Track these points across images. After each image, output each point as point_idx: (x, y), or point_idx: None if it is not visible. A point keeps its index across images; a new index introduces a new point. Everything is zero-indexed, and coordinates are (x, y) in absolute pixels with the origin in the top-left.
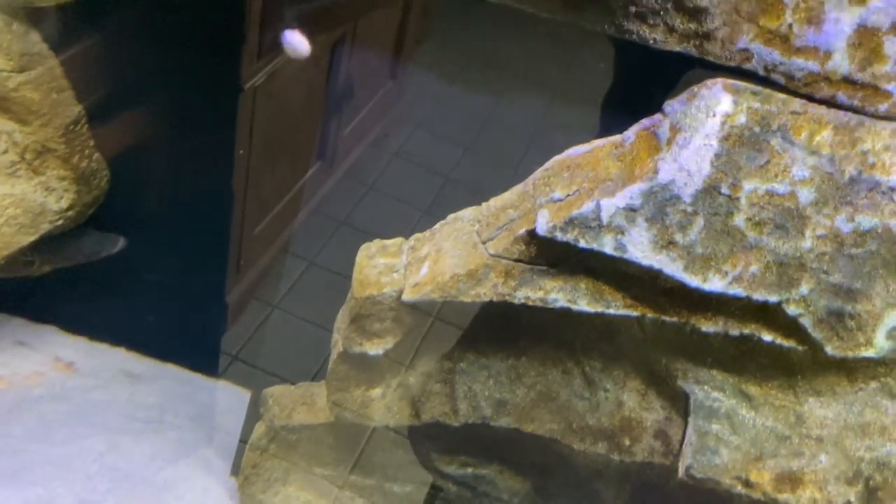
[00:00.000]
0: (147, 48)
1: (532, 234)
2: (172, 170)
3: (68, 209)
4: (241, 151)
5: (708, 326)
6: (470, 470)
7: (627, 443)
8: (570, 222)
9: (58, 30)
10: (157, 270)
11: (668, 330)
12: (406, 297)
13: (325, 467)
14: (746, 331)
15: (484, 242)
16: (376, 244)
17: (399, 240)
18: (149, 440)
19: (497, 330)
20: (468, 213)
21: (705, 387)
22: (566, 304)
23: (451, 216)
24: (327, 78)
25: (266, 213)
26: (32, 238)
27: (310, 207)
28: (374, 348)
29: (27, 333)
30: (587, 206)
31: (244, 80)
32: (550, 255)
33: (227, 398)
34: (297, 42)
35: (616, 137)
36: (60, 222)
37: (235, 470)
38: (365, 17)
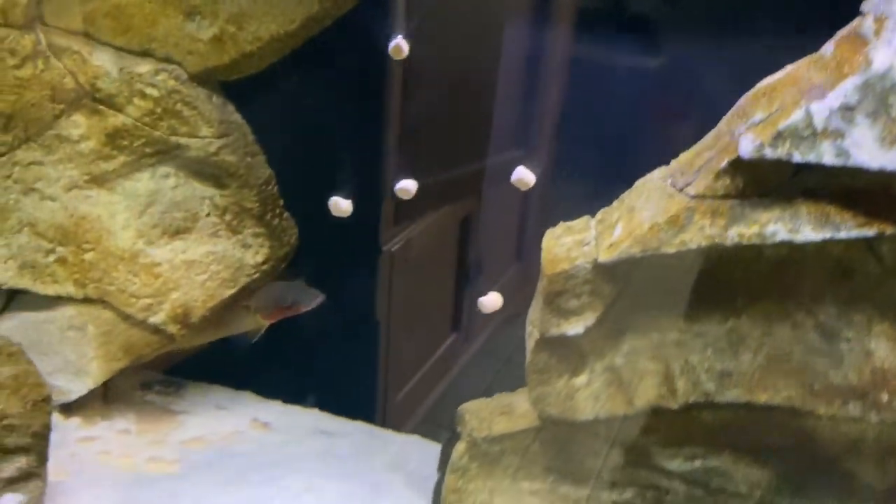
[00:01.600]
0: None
1: (737, 164)
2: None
3: (263, 263)
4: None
5: None
6: (699, 462)
7: (885, 398)
8: (779, 136)
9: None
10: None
11: None
12: (602, 258)
13: (533, 481)
14: None
15: (681, 190)
16: (561, 227)
17: (584, 218)
18: (345, 483)
19: (707, 290)
20: (656, 173)
21: None
22: (787, 236)
23: (639, 181)
24: (457, 252)
25: (407, 381)
26: (233, 290)
27: (447, 379)
28: (573, 327)
29: (225, 399)
30: (796, 115)
31: (382, 242)
32: (761, 182)
33: (419, 449)
34: (524, 174)
35: (812, 55)
36: (257, 275)
37: (437, 500)
38: (489, 199)
